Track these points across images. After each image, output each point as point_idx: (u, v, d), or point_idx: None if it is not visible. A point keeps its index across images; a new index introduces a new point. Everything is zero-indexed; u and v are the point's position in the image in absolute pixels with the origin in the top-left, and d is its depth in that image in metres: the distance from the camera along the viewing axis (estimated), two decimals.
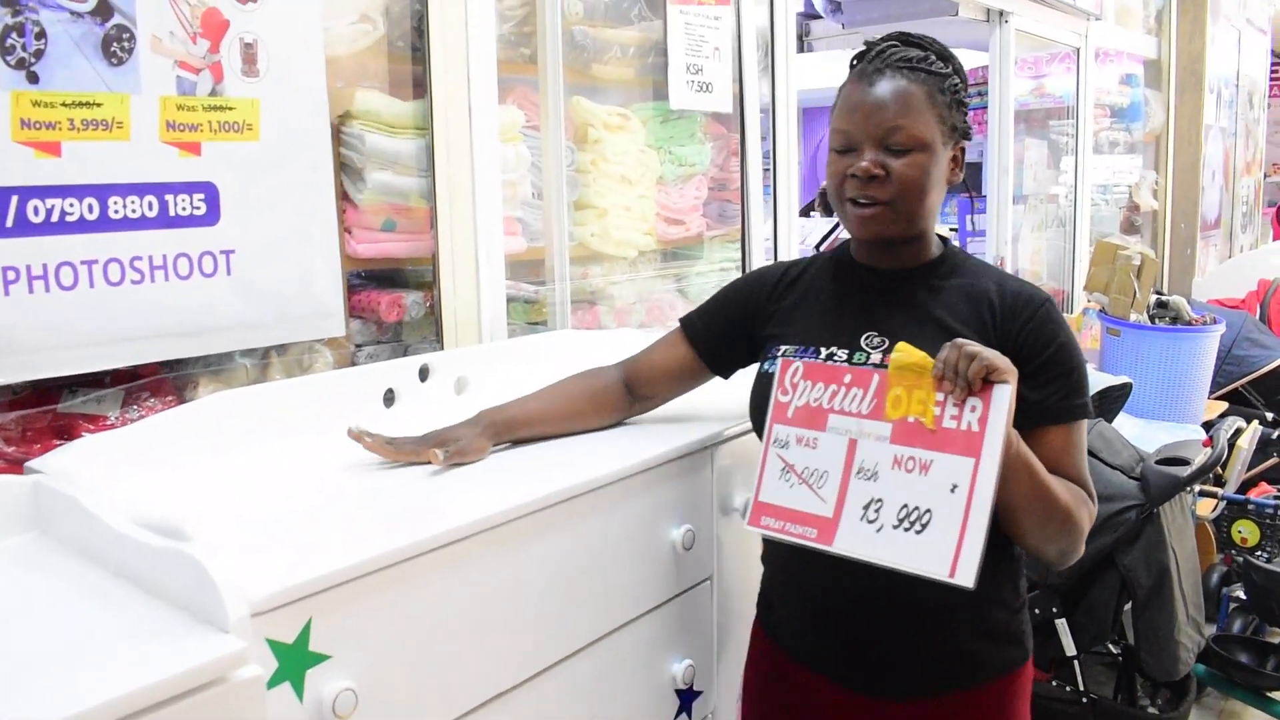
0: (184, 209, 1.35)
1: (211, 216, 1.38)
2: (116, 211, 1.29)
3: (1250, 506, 3.06)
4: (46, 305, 1.23)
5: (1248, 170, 6.02)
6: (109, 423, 1.33)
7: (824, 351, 1.25)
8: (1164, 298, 3.54)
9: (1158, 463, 2.29)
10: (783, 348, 1.27)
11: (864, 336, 1.25)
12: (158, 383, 1.39)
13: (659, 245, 2.30)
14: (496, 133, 1.77)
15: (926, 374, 1.09)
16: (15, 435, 1.26)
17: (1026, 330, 1.22)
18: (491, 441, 1.29)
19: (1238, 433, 2.37)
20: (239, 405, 1.28)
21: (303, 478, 1.21)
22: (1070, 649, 2.27)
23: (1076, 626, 2.30)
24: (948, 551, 1.05)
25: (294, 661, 0.90)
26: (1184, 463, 2.30)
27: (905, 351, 1.10)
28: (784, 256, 2.58)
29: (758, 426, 1.26)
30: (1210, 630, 2.66)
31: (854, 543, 1.10)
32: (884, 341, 1.23)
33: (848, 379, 1.14)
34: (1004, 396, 1.06)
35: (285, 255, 1.47)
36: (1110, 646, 2.63)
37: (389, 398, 1.48)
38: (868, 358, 1.22)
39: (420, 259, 1.72)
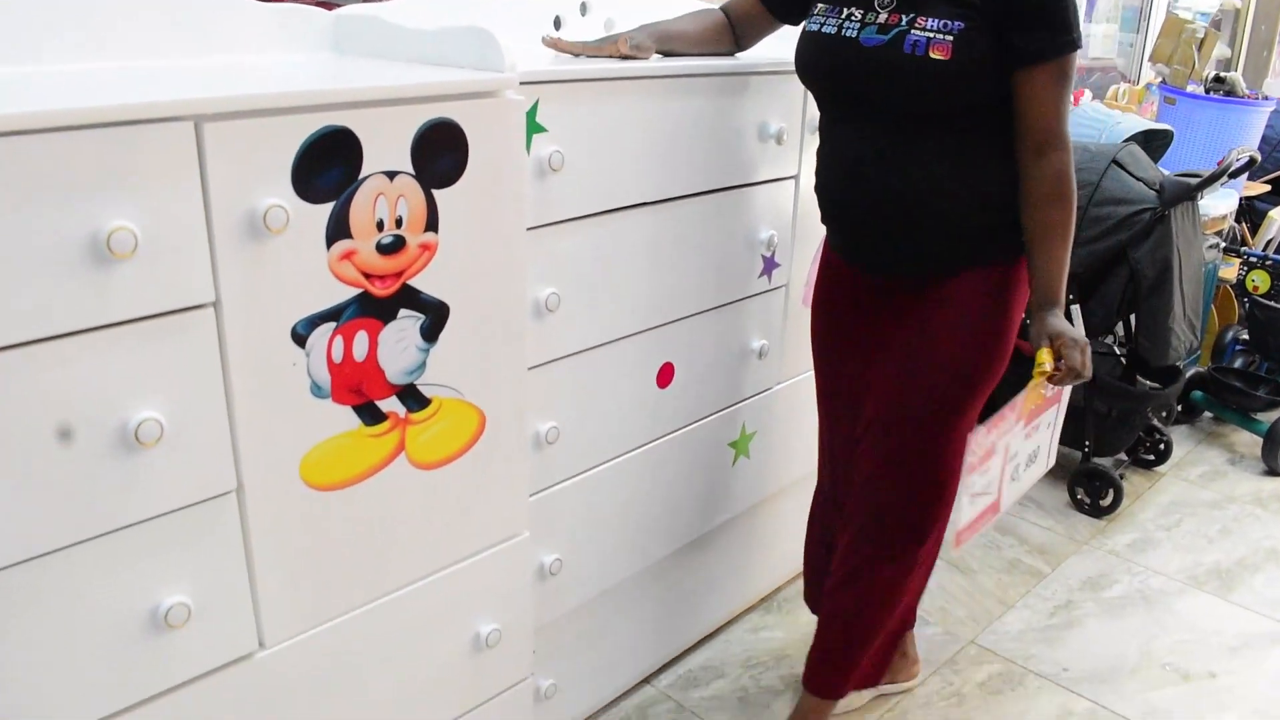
0: None
1: None
2: None
3: (1268, 262, 3.43)
4: None
5: None
6: None
7: (844, 11, 1.52)
8: (1222, 74, 3.81)
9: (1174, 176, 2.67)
10: (819, 5, 1.58)
11: None
12: None
13: None
14: None
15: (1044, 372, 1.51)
16: None
17: None
18: (655, 46, 1.67)
19: (1251, 162, 2.72)
20: None
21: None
22: (1080, 331, 2.72)
23: (1087, 312, 2.74)
24: (1045, 461, 1.64)
25: (528, 127, 1.36)
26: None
27: (1041, 365, 1.50)
28: None
29: (803, 76, 1.62)
30: None
31: (1008, 499, 1.59)
32: None
33: (1006, 413, 1.53)
34: None
35: None
36: (1115, 348, 3.08)
37: (557, 23, 1.91)
38: (877, 16, 1.48)
39: None
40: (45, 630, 1.02)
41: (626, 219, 1.58)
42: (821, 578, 1.91)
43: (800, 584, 2.17)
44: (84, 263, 0.95)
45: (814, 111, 1.86)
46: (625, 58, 1.57)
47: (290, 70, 1.31)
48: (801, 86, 1.79)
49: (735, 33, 1.79)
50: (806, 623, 2.18)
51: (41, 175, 0.91)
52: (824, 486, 1.95)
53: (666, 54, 1.70)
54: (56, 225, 0.93)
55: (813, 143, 1.90)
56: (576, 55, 1.59)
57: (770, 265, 1.91)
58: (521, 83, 1.29)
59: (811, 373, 1.94)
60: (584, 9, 1.95)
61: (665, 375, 1.75)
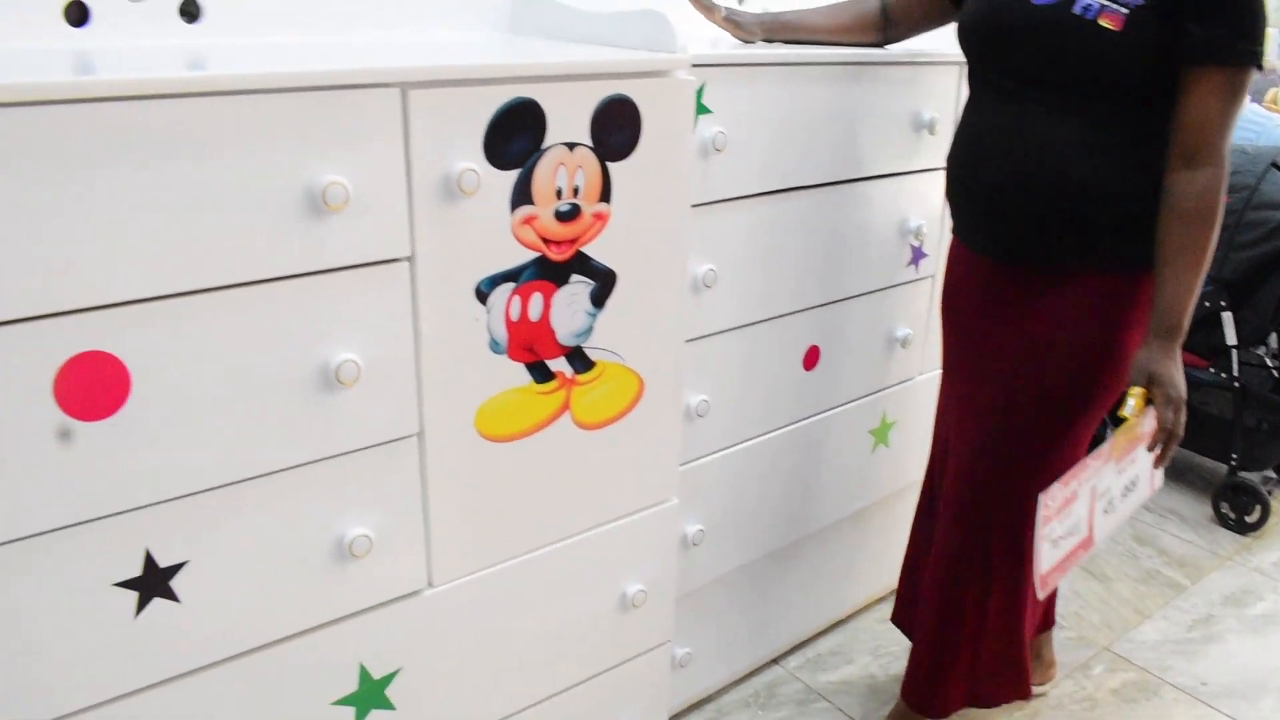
0: None
1: None
2: None
3: None
4: None
5: None
6: None
7: None
8: None
9: None
10: None
11: None
12: None
13: None
14: None
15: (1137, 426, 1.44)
16: None
17: None
18: (764, 34, 1.69)
19: None
20: None
21: None
22: (1231, 339, 2.65)
23: (1240, 320, 2.67)
24: (1147, 486, 1.56)
25: (695, 108, 1.42)
26: None
27: (1126, 407, 1.43)
28: None
29: (963, 37, 1.55)
30: None
31: (1103, 534, 1.52)
32: None
33: (1090, 462, 1.45)
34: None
35: None
36: (1267, 360, 2.99)
37: None
38: None
39: None
40: (244, 546, 1.12)
41: (783, 202, 1.63)
42: (911, 597, 1.92)
43: None
44: (302, 212, 1.05)
45: None
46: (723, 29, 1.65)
47: (475, 46, 1.39)
48: (955, 78, 1.81)
49: (888, 24, 1.74)
50: None
51: (271, 129, 1.01)
52: (926, 493, 1.89)
53: (788, 43, 1.70)
54: (281, 175, 1.02)
55: None
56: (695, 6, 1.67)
57: (918, 255, 1.93)
58: (692, 65, 1.35)
59: None
60: None
61: (811, 358, 1.79)
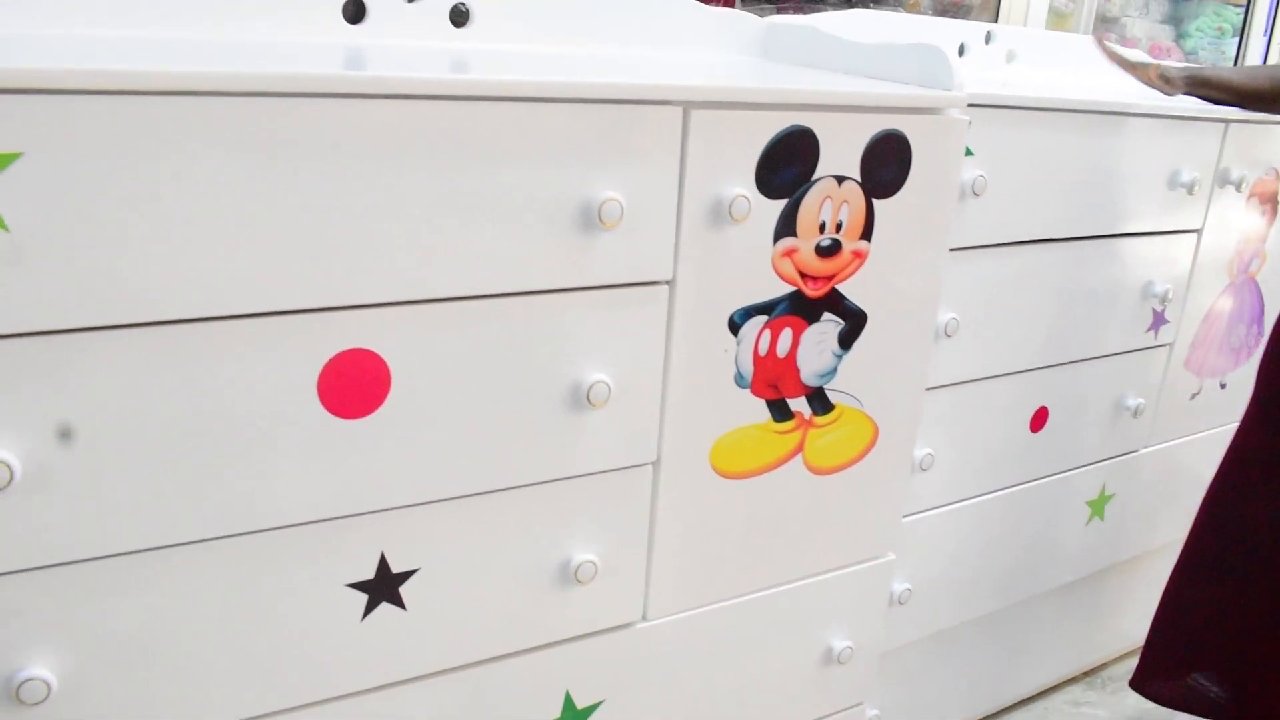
0: None
1: None
2: None
3: None
4: None
5: None
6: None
7: None
8: None
9: None
10: None
11: None
12: None
13: None
14: None
15: None
16: None
17: None
18: (1186, 89, 1.62)
19: None
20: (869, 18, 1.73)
21: None
22: None
23: None
24: None
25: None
26: None
27: None
28: None
29: None
30: None
31: None
32: None
33: None
34: None
35: None
36: None
37: (961, 50, 1.89)
38: None
39: None
40: (474, 560, 1.10)
41: (1031, 253, 1.54)
42: (1177, 660, 1.78)
43: (1129, 664, 2.03)
44: (575, 226, 1.02)
45: (1226, 163, 1.76)
46: (1151, 85, 1.58)
47: (733, 67, 1.35)
48: (1218, 138, 1.69)
49: None
50: (1133, 707, 2.05)
51: (555, 139, 0.98)
52: (1210, 555, 1.75)
53: (1203, 100, 1.64)
54: (560, 187, 1.00)
55: (1221, 196, 1.79)
56: (1118, 64, 1.63)
57: (1159, 320, 1.81)
58: (968, 104, 1.28)
59: (1183, 440, 1.83)
60: (989, 38, 1.92)
61: (1039, 419, 1.69)
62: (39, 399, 0.83)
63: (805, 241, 1.18)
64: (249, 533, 0.96)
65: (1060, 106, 1.47)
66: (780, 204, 1.15)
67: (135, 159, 0.81)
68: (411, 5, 1.27)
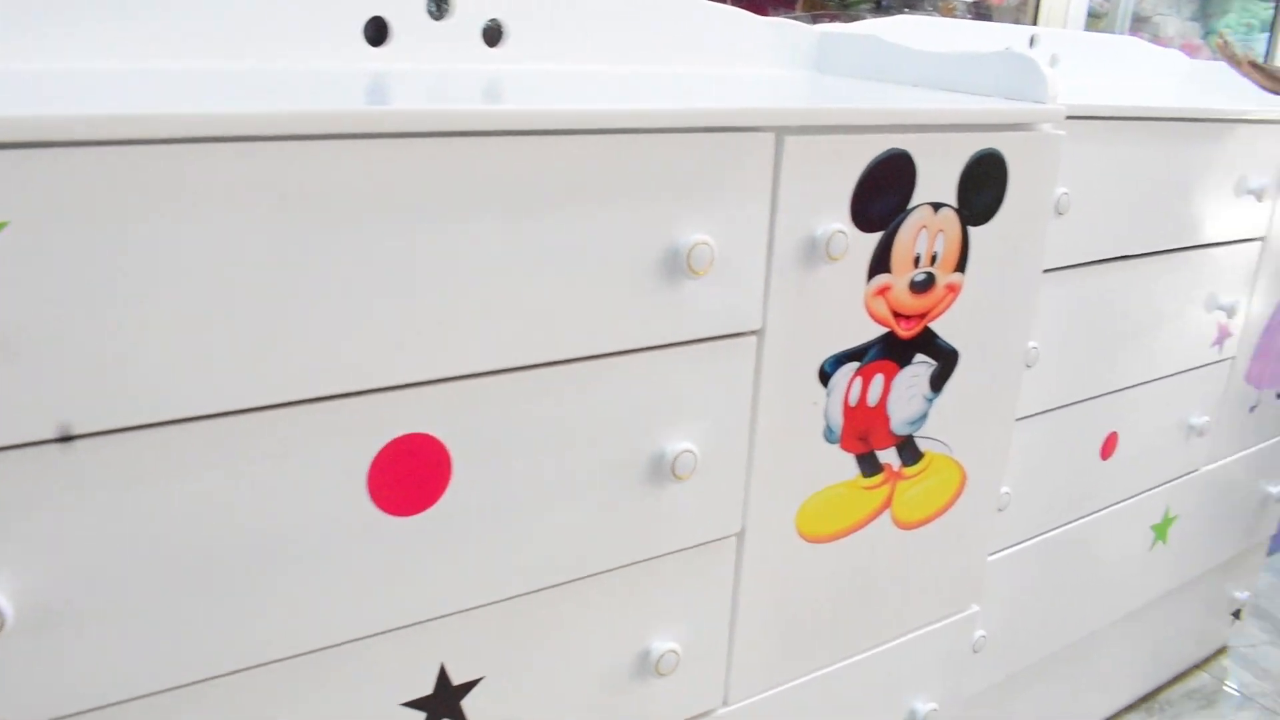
0: None
1: None
2: None
3: None
4: None
5: None
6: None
7: None
8: None
9: None
10: None
11: None
12: None
13: None
14: None
15: None
16: None
17: None
18: None
19: None
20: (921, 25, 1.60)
21: None
22: None
23: None
24: None
25: None
26: None
27: None
28: None
29: None
30: None
31: None
32: None
33: None
34: None
35: None
36: None
37: None
38: None
39: None
40: (543, 663, 0.96)
41: (1106, 273, 1.42)
42: None
43: (1185, 688, 1.93)
44: (658, 276, 0.88)
45: None
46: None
47: (796, 85, 1.22)
48: None
49: None
50: None
51: (630, 177, 0.84)
52: None
53: None
54: (640, 232, 0.86)
55: None
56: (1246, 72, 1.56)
57: (1224, 334, 1.70)
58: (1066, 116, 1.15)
59: (1240, 454, 1.73)
60: (1033, 41, 1.80)
61: (1109, 446, 1.57)
62: (32, 525, 0.67)
63: (899, 278, 1.04)
64: (289, 658, 0.81)
65: (1157, 115, 1.35)
66: (875, 237, 1.01)
67: (137, 222, 0.65)
68: (439, 23, 1.11)
